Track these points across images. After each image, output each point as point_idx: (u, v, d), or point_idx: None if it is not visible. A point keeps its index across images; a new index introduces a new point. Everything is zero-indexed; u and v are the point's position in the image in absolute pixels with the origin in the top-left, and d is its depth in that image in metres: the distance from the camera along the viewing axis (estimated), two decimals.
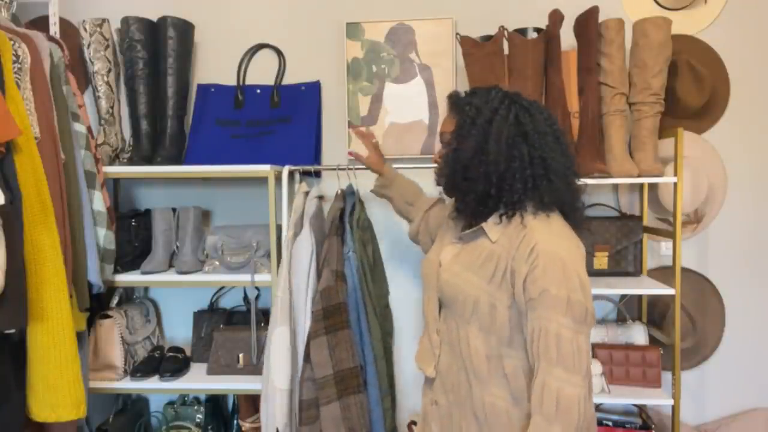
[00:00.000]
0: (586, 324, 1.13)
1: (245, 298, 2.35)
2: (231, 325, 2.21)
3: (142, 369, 2.10)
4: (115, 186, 2.36)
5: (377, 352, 1.92)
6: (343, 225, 1.97)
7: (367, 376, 1.88)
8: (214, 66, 2.37)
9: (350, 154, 1.92)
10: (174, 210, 2.24)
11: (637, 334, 2.11)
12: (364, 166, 1.93)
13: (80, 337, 1.79)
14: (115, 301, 2.24)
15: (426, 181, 2.10)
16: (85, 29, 2.17)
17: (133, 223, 2.21)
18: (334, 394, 1.81)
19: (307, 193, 2.04)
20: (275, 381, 1.84)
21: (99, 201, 1.94)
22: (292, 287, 1.91)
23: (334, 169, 2.06)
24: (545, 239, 1.16)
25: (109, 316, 2.12)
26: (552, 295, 1.11)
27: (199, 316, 2.31)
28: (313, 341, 1.83)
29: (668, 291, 1.93)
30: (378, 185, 1.85)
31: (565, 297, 1.11)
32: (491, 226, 1.25)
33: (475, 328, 1.23)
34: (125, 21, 2.18)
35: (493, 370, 1.22)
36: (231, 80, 2.37)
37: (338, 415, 1.80)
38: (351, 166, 2.07)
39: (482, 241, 1.26)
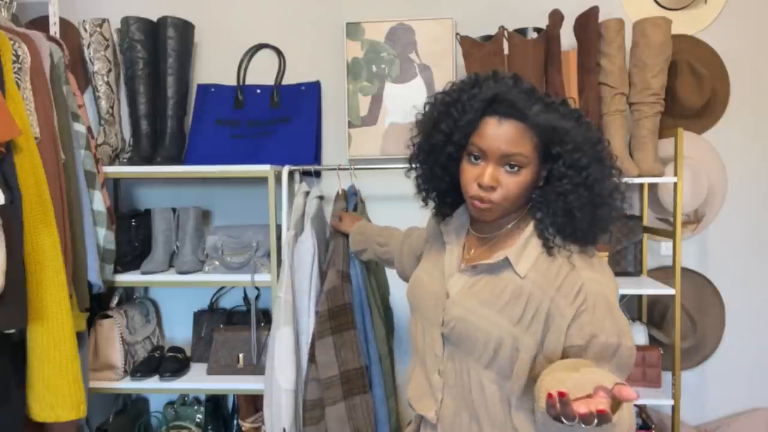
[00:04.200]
0: (628, 370, 1.01)
1: (245, 298, 2.34)
2: (231, 325, 2.21)
3: (142, 369, 2.09)
4: (115, 186, 2.36)
5: (382, 352, 1.91)
6: None
7: (372, 376, 1.88)
8: (214, 66, 2.37)
9: (333, 225, 1.94)
10: (174, 210, 2.24)
11: (637, 334, 2.10)
12: (364, 166, 2.01)
13: (80, 337, 1.78)
14: (115, 301, 2.24)
15: None
16: (85, 29, 2.17)
17: (133, 223, 2.21)
18: (339, 394, 1.80)
19: (307, 193, 2.04)
20: (280, 381, 1.84)
21: (99, 201, 1.94)
22: (294, 288, 1.91)
23: (334, 169, 2.06)
24: (591, 277, 1.01)
25: (109, 316, 2.12)
26: (601, 343, 0.98)
27: (199, 316, 2.31)
28: (318, 341, 1.82)
29: (668, 291, 1.93)
30: (354, 240, 1.81)
31: (615, 344, 0.98)
32: (519, 256, 1.05)
33: (492, 372, 1.04)
34: (125, 21, 2.18)
35: (507, 417, 1.05)
36: (231, 80, 2.36)
37: (344, 415, 1.79)
38: (351, 166, 2.07)
39: (506, 274, 1.05)
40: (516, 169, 1.02)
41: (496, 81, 1.05)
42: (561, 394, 0.75)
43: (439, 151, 1.11)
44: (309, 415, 1.84)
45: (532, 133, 1.01)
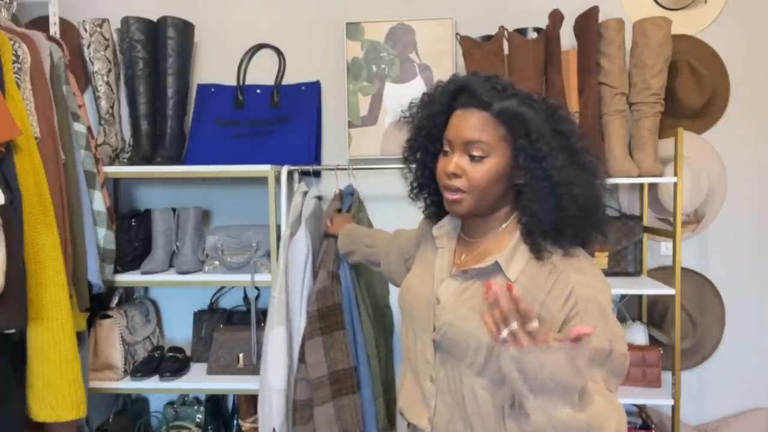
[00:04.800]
0: (621, 376, 0.99)
1: (245, 298, 2.34)
2: (231, 325, 2.21)
3: (142, 369, 2.10)
4: (115, 186, 2.36)
5: (370, 353, 1.91)
6: None
7: (360, 377, 1.88)
8: (214, 66, 2.37)
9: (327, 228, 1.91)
10: (174, 210, 2.24)
11: (637, 334, 2.10)
12: (363, 167, 2.02)
13: (80, 337, 1.78)
14: (115, 301, 2.24)
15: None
16: (85, 29, 2.17)
17: (133, 223, 2.21)
18: (328, 394, 1.80)
19: (305, 193, 2.04)
20: (272, 381, 1.84)
21: (99, 201, 1.94)
22: (288, 287, 1.91)
23: (334, 170, 2.06)
24: (581, 281, 0.99)
25: (109, 316, 2.12)
26: (593, 347, 0.95)
27: (199, 316, 2.31)
28: (308, 342, 1.82)
29: (668, 291, 1.93)
30: (342, 242, 1.80)
31: (608, 349, 0.96)
32: (509, 261, 1.04)
33: (484, 379, 1.03)
34: (125, 21, 2.18)
35: (501, 424, 1.02)
36: (231, 80, 2.37)
37: (332, 415, 1.79)
38: (350, 167, 2.07)
39: (497, 279, 1.04)
40: (479, 158, 1.03)
41: (465, 76, 1.09)
42: (509, 287, 0.84)
43: (418, 147, 1.17)
44: (299, 415, 1.84)
45: (497, 122, 1.03)
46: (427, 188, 1.20)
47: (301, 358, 1.85)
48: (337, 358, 1.81)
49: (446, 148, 1.08)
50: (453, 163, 1.05)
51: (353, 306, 1.90)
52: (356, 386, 1.83)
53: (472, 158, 1.03)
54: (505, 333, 0.86)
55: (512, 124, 1.02)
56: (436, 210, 1.23)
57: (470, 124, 1.03)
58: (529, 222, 1.03)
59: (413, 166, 1.20)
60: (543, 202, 1.00)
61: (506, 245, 1.06)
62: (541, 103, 1.05)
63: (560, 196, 1.00)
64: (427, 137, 1.14)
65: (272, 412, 1.83)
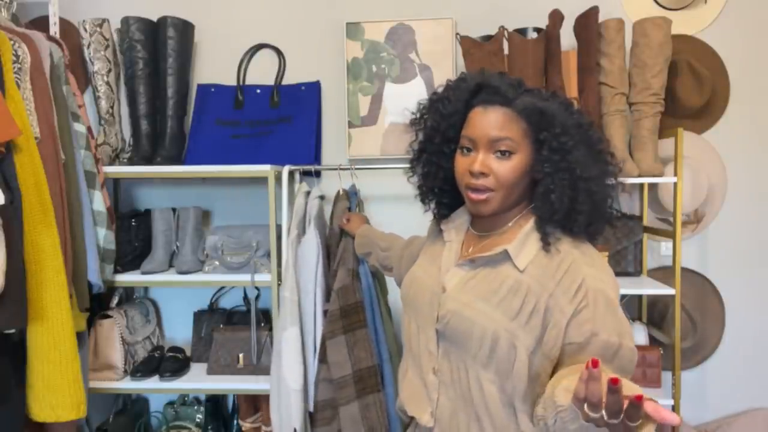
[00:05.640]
0: (629, 373, 0.98)
1: (245, 298, 2.35)
2: (231, 325, 2.21)
3: (142, 369, 2.10)
4: (115, 186, 2.36)
5: (392, 350, 1.91)
6: None
7: (384, 375, 1.87)
8: (214, 66, 2.37)
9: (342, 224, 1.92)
10: (174, 210, 2.24)
11: (637, 334, 2.10)
12: (364, 166, 2.03)
13: (80, 337, 1.79)
14: (115, 301, 2.24)
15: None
16: (85, 29, 2.17)
17: (133, 223, 2.21)
18: (353, 393, 1.80)
19: (308, 193, 2.04)
20: (289, 381, 1.84)
21: (99, 201, 1.94)
22: (299, 288, 1.90)
23: (335, 169, 2.06)
24: (592, 274, 0.98)
25: (109, 316, 2.12)
26: (601, 341, 0.95)
27: (199, 316, 2.31)
28: (330, 341, 1.81)
29: (668, 291, 1.93)
30: (359, 243, 1.80)
31: (616, 344, 0.95)
32: (518, 250, 1.03)
33: (491, 372, 1.00)
34: (125, 21, 2.18)
35: (512, 419, 1.01)
36: (231, 80, 2.37)
37: (357, 414, 1.79)
38: (352, 166, 2.07)
39: (505, 268, 1.03)
40: (507, 155, 1.02)
41: (481, 74, 1.08)
42: (592, 363, 0.74)
43: (432, 148, 1.13)
44: (320, 416, 1.83)
45: (519, 118, 1.02)
46: (440, 190, 1.18)
47: (323, 359, 1.84)
48: (361, 356, 1.81)
49: (467, 147, 1.06)
50: (479, 161, 1.02)
51: (374, 303, 1.89)
52: (380, 384, 1.83)
53: (501, 155, 1.02)
54: (604, 414, 0.76)
55: (535, 119, 1.01)
56: (446, 213, 1.21)
57: (496, 120, 1.02)
58: (544, 212, 1.02)
59: (425, 169, 1.17)
60: (561, 193, 1.00)
61: (515, 237, 1.05)
62: (555, 98, 1.05)
63: (578, 190, 1.00)
64: (442, 138, 1.11)
65: (291, 413, 1.83)
